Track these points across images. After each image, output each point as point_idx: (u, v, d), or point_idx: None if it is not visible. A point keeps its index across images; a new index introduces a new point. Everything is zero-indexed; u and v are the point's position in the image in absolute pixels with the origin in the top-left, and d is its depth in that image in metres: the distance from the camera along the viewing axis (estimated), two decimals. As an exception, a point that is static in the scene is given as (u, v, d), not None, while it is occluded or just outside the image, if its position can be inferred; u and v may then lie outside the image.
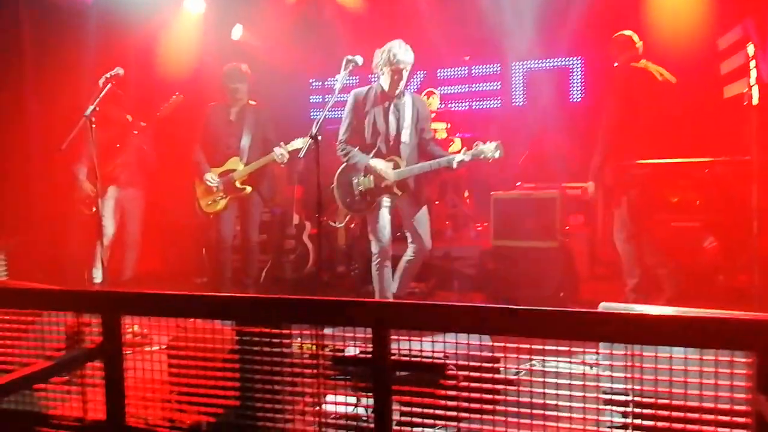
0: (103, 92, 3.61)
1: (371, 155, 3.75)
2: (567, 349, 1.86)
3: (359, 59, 3.35)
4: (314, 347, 2.19)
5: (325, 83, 7.94)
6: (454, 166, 3.57)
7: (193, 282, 5.68)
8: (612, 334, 1.83)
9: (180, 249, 6.04)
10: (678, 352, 1.79)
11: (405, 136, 3.71)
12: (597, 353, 2.01)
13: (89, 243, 4.72)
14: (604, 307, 2.37)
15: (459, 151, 5.99)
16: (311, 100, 8.11)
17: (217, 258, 4.79)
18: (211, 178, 4.53)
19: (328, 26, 7.06)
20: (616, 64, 4.24)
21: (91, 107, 3.49)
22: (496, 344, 2.00)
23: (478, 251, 5.04)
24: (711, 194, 3.68)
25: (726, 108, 5.46)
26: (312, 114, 7.97)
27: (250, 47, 7.34)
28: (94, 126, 3.49)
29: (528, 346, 1.90)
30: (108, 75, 3.69)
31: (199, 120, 4.75)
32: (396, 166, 3.72)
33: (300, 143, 4.18)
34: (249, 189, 4.55)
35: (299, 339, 2.31)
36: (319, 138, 3.09)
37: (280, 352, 2.19)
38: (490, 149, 3.48)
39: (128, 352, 2.34)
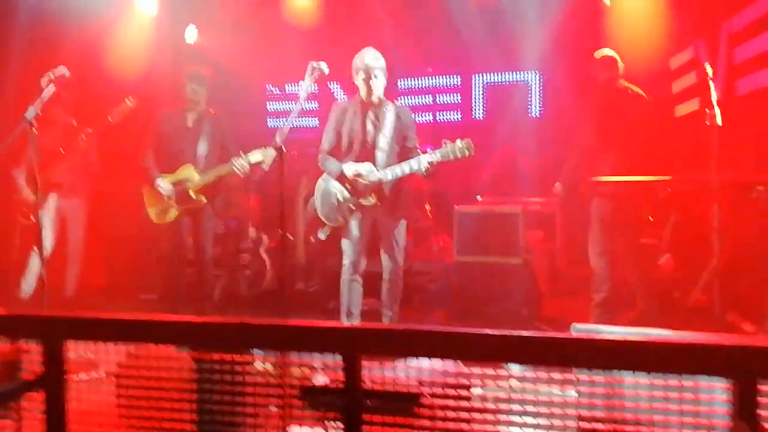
0: (46, 93, 3.34)
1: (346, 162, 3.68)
2: (537, 374, 1.81)
3: (324, 66, 3.24)
4: (278, 375, 2.05)
5: (285, 90, 7.76)
6: (422, 169, 3.40)
7: (141, 298, 5.38)
8: (590, 360, 1.78)
9: (127, 262, 5.72)
10: (657, 376, 1.76)
11: (382, 143, 3.59)
12: (575, 380, 1.95)
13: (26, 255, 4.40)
14: (575, 328, 2.33)
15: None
16: (269, 108, 7.91)
17: (169, 272, 4.54)
18: (163, 185, 4.26)
19: (287, 32, 6.90)
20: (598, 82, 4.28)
21: (33, 109, 3.22)
22: (474, 371, 1.91)
23: (441, 266, 4.98)
24: (670, 212, 3.73)
25: (678, 126, 5.64)
26: (270, 122, 7.77)
27: (205, 50, 7.11)
28: (35, 129, 3.22)
29: (494, 371, 1.85)
30: (51, 75, 3.41)
31: (150, 125, 4.49)
32: (371, 171, 3.61)
33: (260, 155, 3.98)
34: (204, 199, 4.28)
35: (262, 365, 2.15)
36: (284, 149, 2.95)
37: (241, 381, 2.03)
38: (459, 147, 3.32)
39: (74, 376, 2.13)
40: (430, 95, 7.46)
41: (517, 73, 7.16)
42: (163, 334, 2.10)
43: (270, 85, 7.87)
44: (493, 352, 1.84)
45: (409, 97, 7.43)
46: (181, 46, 6.98)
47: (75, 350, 2.17)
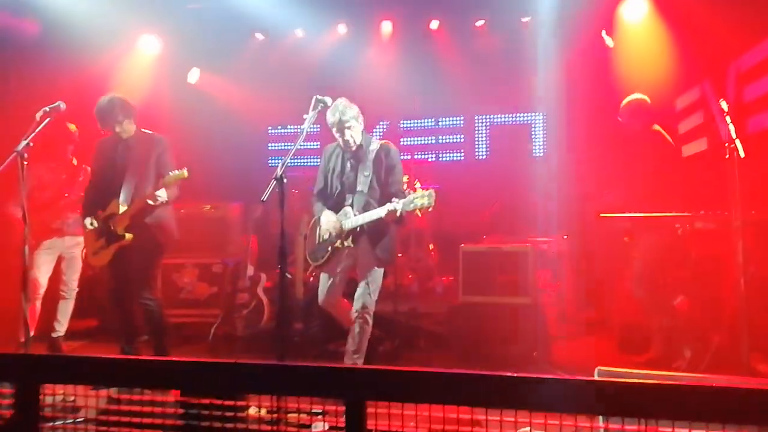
0: (40, 127, 3.25)
1: (327, 207, 3.70)
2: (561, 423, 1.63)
3: (328, 99, 3.18)
4: (274, 421, 1.85)
5: (287, 129, 7.74)
6: (383, 215, 3.33)
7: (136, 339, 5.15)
8: (621, 407, 1.60)
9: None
10: (698, 426, 1.56)
11: (361, 185, 3.58)
12: (604, 428, 1.76)
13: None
14: (600, 372, 2.13)
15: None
16: (270, 148, 7.87)
17: (117, 317, 4.10)
18: (90, 222, 3.93)
19: (290, 73, 6.92)
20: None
21: (24, 142, 3.12)
22: (491, 418, 1.71)
23: (446, 307, 4.78)
24: (689, 250, 3.58)
25: (687, 167, 5.56)
26: (270, 162, 7.72)
27: (208, 92, 7.13)
28: (26, 163, 3.11)
29: (513, 419, 1.66)
30: (47, 108, 3.33)
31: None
32: (347, 217, 3.59)
33: (172, 178, 3.72)
34: (129, 236, 3.83)
35: (257, 411, 1.96)
36: (285, 180, 2.83)
37: (233, 428, 1.84)
38: (420, 197, 3.21)
39: (48, 423, 1.94)
40: (433, 136, 7.43)
41: (521, 114, 7.15)
42: (148, 376, 1.91)
43: (271, 127, 7.87)
44: (510, 396, 1.67)
45: (411, 137, 7.41)
46: (183, 86, 7.00)
47: (52, 394, 1.98)
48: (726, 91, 4.98)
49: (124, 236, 3.85)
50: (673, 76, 5.57)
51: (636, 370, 2.11)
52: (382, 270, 3.64)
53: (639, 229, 3.69)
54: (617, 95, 5.83)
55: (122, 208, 3.87)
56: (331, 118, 3.53)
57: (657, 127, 4.13)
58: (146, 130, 4.10)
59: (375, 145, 3.64)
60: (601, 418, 1.89)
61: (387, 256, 3.61)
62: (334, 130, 3.58)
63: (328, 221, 3.61)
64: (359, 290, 3.57)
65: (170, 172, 3.74)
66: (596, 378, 2.06)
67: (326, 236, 3.64)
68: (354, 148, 3.63)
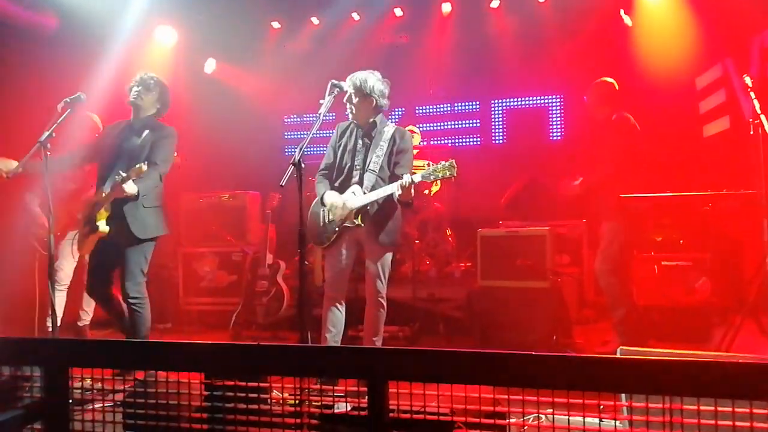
0: (62, 118, 3.30)
1: (335, 184, 3.56)
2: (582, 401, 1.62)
3: (344, 84, 3.15)
4: (297, 402, 1.87)
5: (303, 118, 7.75)
6: (399, 190, 3.21)
7: (156, 328, 5.24)
8: (645, 384, 1.59)
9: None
10: (723, 404, 1.55)
11: (372, 164, 3.46)
12: (628, 405, 1.75)
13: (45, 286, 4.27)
14: (623, 351, 2.12)
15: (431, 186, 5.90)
16: (286, 137, 7.89)
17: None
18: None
19: (305, 62, 6.92)
20: (614, 116, 4.11)
21: (47, 133, 3.17)
22: (512, 398, 1.71)
23: (465, 292, 4.78)
24: (706, 230, 3.52)
25: (708, 146, 5.46)
26: (287, 150, 7.74)
27: (224, 81, 7.16)
28: (48, 153, 3.16)
29: (535, 398, 1.66)
30: (68, 99, 3.37)
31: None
32: (356, 195, 3.44)
33: (134, 171, 3.37)
34: (106, 228, 3.55)
35: (279, 393, 1.98)
36: (303, 165, 2.84)
37: (257, 410, 1.87)
38: (442, 167, 3.16)
39: (77, 409, 1.98)
40: (449, 121, 7.39)
41: (538, 97, 7.06)
42: (172, 358, 1.95)
43: (287, 117, 7.88)
44: (532, 375, 1.67)
45: (427, 123, 7.37)
46: (199, 76, 7.04)
47: (80, 378, 2.03)
48: (749, 66, 4.87)
49: (98, 228, 3.56)
50: (693, 55, 5.46)
51: (659, 349, 2.09)
52: (390, 253, 3.56)
53: (660, 210, 3.64)
54: (636, 75, 5.76)
55: (101, 196, 3.58)
56: (343, 87, 3.39)
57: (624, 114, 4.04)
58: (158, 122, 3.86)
59: (390, 127, 3.58)
60: (623, 396, 1.88)
61: (394, 238, 3.50)
62: (350, 94, 3.42)
63: (333, 201, 3.47)
64: (369, 275, 3.49)
65: (132, 168, 3.37)
66: (619, 356, 2.04)
67: (331, 216, 3.50)
68: (371, 124, 3.53)
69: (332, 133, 3.72)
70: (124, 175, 3.34)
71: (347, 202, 3.42)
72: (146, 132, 3.66)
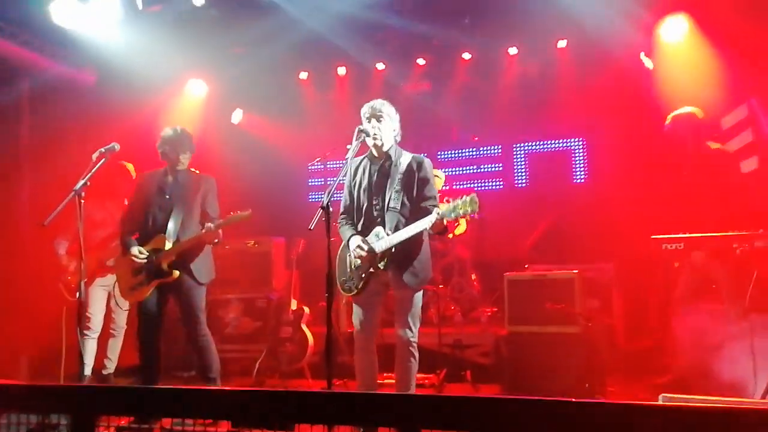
0: (96, 167, 3.40)
1: (358, 228, 3.38)
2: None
3: (370, 130, 3.17)
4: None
5: (327, 166, 7.86)
6: (428, 227, 3.06)
7: (178, 376, 5.21)
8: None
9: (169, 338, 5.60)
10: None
11: (393, 201, 3.25)
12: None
13: (72, 333, 4.29)
14: (665, 399, 2.03)
15: (456, 226, 5.83)
16: (310, 183, 7.99)
17: (143, 354, 3.94)
18: (138, 251, 3.80)
19: (331, 111, 7.08)
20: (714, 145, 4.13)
21: (82, 181, 3.26)
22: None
23: (492, 338, 4.68)
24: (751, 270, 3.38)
25: (740, 187, 5.35)
26: (311, 197, 7.83)
27: (250, 131, 7.35)
28: (83, 201, 3.25)
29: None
30: (103, 149, 3.48)
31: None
32: (379, 238, 3.25)
33: (237, 217, 3.73)
34: (176, 273, 3.79)
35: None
36: (330, 209, 2.85)
37: (285, 459, 1.81)
38: (463, 203, 2.99)
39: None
40: (472, 166, 7.43)
41: (560, 141, 7.08)
42: (200, 406, 1.92)
43: (311, 164, 7.99)
44: (570, 424, 1.59)
45: (449, 168, 7.41)
46: (227, 126, 7.25)
47: (106, 426, 2.00)
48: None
49: (171, 273, 3.77)
50: (717, 95, 5.42)
51: (703, 396, 1.99)
52: (420, 293, 3.37)
53: (693, 250, 3.53)
54: (658, 117, 5.74)
55: (168, 245, 3.80)
56: (363, 111, 3.36)
57: (715, 144, 4.00)
58: (193, 170, 4.13)
59: (406, 157, 3.38)
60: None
61: (422, 278, 3.30)
62: (364, 120, 3.34)
63: (358, 246, 3.27)
64: (399, 321, 3.29)
65: (234, 213, 3.73)
66: (662, 404, 1.95)
67: (358, 263, 3.31)
68: (384, 155, 3.36)
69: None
70: (221, 221, 3.70)
71: (373, 246, 3.24)
72: (192, 182, 3.96)
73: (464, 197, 3.02)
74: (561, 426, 1.57)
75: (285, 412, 1.83)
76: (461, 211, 2.99)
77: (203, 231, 3.73)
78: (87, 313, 4.51)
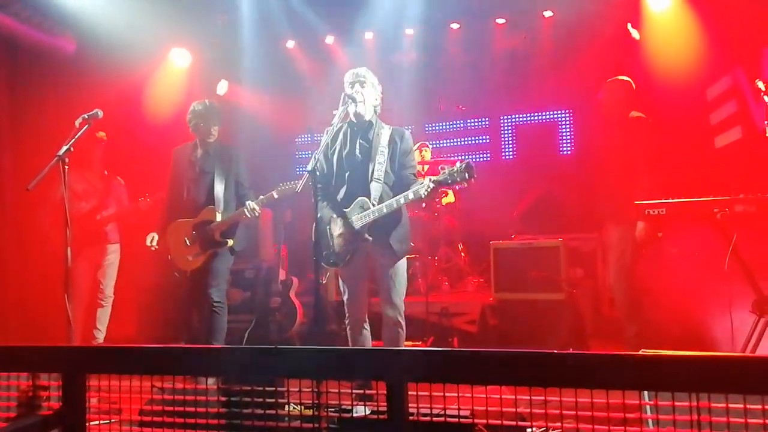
0: (80, 133, 3.35)
1: (339, 197, 3.33)
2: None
3: (357, 96, 3.16)
4: (315, 407, 1.85)
5: (315, 138, 7.83)
6: (423, 194, 3.00)
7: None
8: (674, 380, 1.56)
9: (155, 310, 5.61)
10: (753, 400, 1.51)
11: (378, 173, 3.23)
12: (653, 404, 1.71)
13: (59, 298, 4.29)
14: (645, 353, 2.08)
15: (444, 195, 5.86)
16: (297, 156, 7.96)
17: (186, 321, 4.21)
18: (187, 228, 4.02)
19: (317, 81, 7.01)
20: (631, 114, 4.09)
21: (65, 147, 3.22)
22: (534, 398, 1.68)
23: (479, 306, 4.74)
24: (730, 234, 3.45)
25: (721, 158, 5.42)
26: (298, 170, 7.80)
27: (236, 102, 7.26)
28: (67, 167, 3.21)
29: (558, 398, 1.63)
30: (86, 116, 3.43)
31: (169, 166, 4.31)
32: (364, 209, 3.22)
33: (275, 194, 3.80)
34: (230, 242, 3.99)
35: (296, 408, 1.96)
36: (317, 173, 2.85)
37: (274, 414, 1.85)
38: (458, 170, 2.93)
39: (94, 423, 1.97)
40: (460, 138, 7.42)
41: (547, 113, 7.09)
42: (190, 363, 1.94)
43: (299, 137, 7.96)
44: (554, 374, 1.64)
45: (436, 141, 7.40)
46: (212, 98, 7.14)
47: (98, 387, 2.02)
48: (761, 74, 4.86)
49: (226, 242, 3.96)
50: (703, 66, 5.45)
51: (681, 352, 2.05)
52: (404, 262, 3.37)
53: (674, 218, 3.59)
54: (645, 88, 5.76)
55: (219, 216, 3.97)
56: (347, 78, 3.32)
57: (636, 113, 3.98)
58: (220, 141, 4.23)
59: (387, 129, 3.36)
60: (646, 394, 1.84)
61: (406, 247, 3.32)
62: (344, 92, 3.26)
63: (342, 224, 3.27)
64: (384, 291, 3.31)
65: (283, 184, 3.79)
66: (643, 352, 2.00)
67: (341, 240, 3.30)
68: (366, 124, 3.32)
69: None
70: (275, 195, 3.77)
71: (355, 221, 3.23)
72: (226, 154, 4.11)
73: (459, 164, 3.00)
74: (541, 377, 1.61)
75: (273, 368, 1.86)
76: (458, 177, 2.96)
77: (258, 202, 3.85)
78: (101, 287, 4.73)
